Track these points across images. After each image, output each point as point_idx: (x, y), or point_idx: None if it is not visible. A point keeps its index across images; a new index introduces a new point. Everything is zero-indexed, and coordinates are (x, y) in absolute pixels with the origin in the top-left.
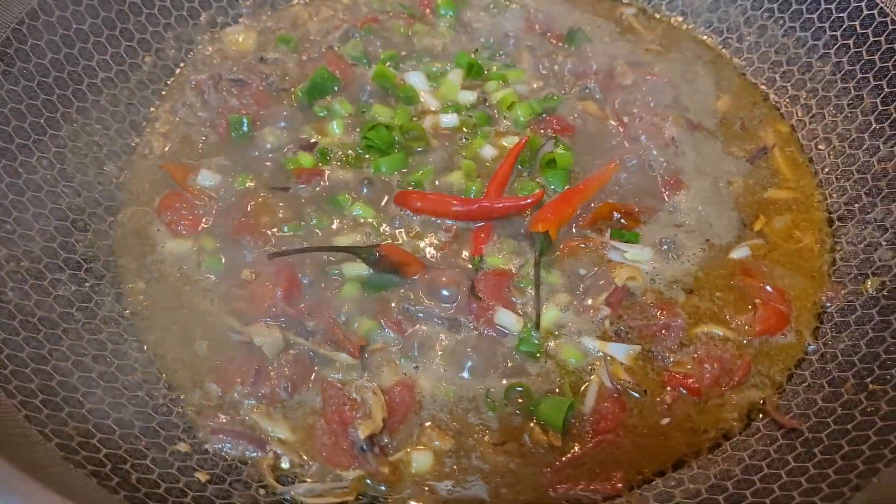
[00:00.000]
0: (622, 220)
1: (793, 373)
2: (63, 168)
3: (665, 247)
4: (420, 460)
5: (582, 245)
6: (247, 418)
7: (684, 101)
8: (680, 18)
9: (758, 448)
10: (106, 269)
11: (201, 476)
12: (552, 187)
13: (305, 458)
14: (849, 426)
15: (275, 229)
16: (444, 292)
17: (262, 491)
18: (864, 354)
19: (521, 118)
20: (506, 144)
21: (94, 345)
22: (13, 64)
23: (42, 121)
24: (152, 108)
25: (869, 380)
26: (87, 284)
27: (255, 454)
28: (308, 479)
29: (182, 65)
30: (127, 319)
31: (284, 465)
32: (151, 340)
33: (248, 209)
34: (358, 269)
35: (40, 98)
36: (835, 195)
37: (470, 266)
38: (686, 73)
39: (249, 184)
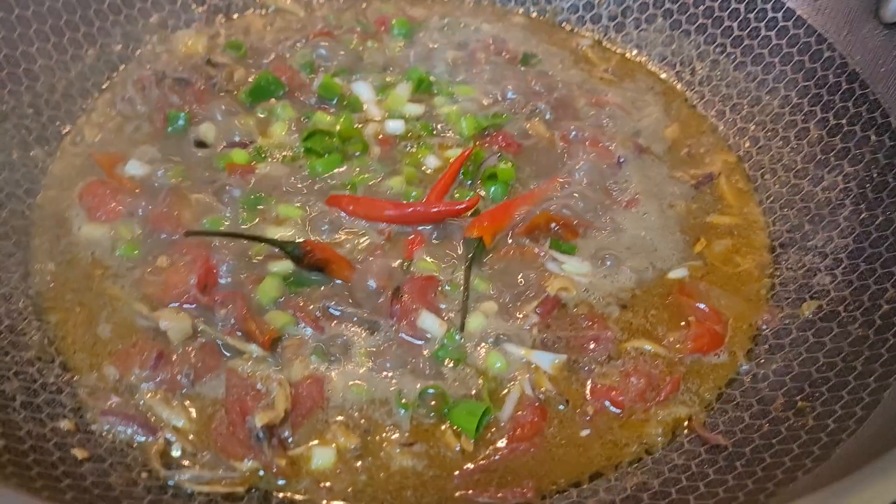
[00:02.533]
0: (559, 232)
1: (723, 392)
2: None
3: (604, 262)
4: (321, 456)
5: (517, 252)
6: (141, 402)
7: (634, 126)
8: (634, 51)
9: (679, 462)
10: (17, 247)
11: (79, 453)
12: (491, 199)
13: (199, 447)
14: (773, 440)
15: (199, 223)
16: (369, 290)
17: (144, 475)
18: (797, 374)
19: (466, 131)
20: (450, 156)
21: None
22: None
23: None
24: (90, 100)
25: (798, 398)
26: None
27: (144, 438)
28: (195, 466)
29: (126, 63)
30: (31, 298)
31: (175, 452)
32: (53, 321)
33: (172, 202)
34: (282, 265)
35: None
36: (778, 223)
37: (400, 270)
38: (637, 102)
39: (177, 179)
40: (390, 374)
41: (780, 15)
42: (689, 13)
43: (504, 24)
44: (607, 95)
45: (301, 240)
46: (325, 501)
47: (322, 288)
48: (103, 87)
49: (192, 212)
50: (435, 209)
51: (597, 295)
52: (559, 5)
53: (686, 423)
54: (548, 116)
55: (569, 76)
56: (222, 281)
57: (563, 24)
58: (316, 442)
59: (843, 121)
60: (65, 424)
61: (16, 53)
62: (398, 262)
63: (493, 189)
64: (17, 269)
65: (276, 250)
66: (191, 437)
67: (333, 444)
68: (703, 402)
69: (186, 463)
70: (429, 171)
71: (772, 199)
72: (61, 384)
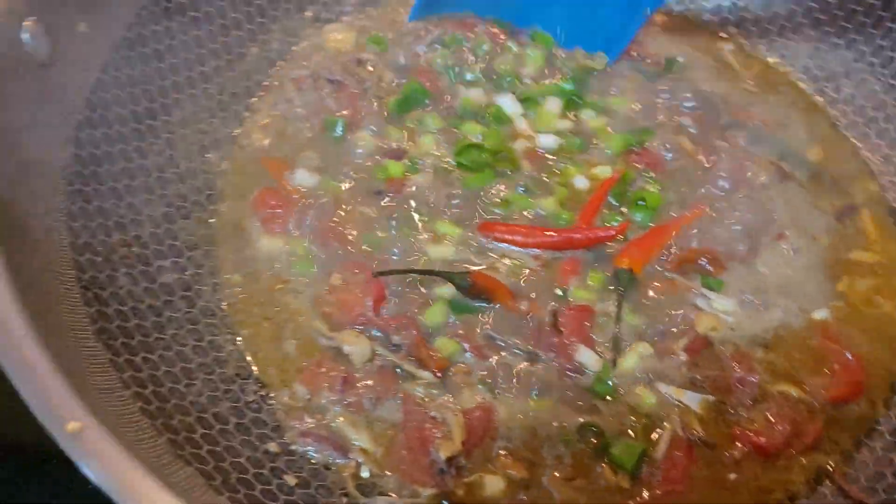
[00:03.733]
0: (708, 266)
1: (863, 442)
2: (172, 154)
3: (748, 299)
4: (493, 485)
5: (666, 286)
6: (332, 424)
7: (778, 148)
8: (777, 59)
9: None
10: (205, 258)
11: (290, 479)
12: (638, 220)
13: (385, 469)
14: None
15: (363, 238)
16: (527, 319)
17: (344, 499)
18: None
19: (615, 149)
20: (597, 174)
21: (193, 335)
22: (134, 47)
23: (157, 105)
24: (253, 100)
25: None
26: (187, 273)
27: (338, 461)
28: (391, 495)
29: (284, 60)
30: (223, 311)
31: (364, 474)
32: (245, 335)
33: (339, 214)
34: (447, 290)
35: (156, 83)
36: None
37: (556, 298)
38: (780, 118)
39: (344, 186)
40: (550, 407)
41: None
42: (838, 25)
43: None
44: (752, 110)
45: (467, 270)
46: None
47: (481, 315)
48: (264, 83)
49: (356, 226)
50: (582, 235)
51: (742, 334)
52: (702, 5)
53: (828, 472)
54: (693, 131)
55: (714, 86)
56: (389, 304)
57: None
58: (489, 471)
59: None
60: (272, 447)
61: (192, 56)
62: (553, 288)
63: (639, 215)
64: (209, 280)
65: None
66: (376, 460)
67: (503, 475)
68: (843, 451)
69: (375, 483)
70: (579, 191)
71: None
72: (260, 402)
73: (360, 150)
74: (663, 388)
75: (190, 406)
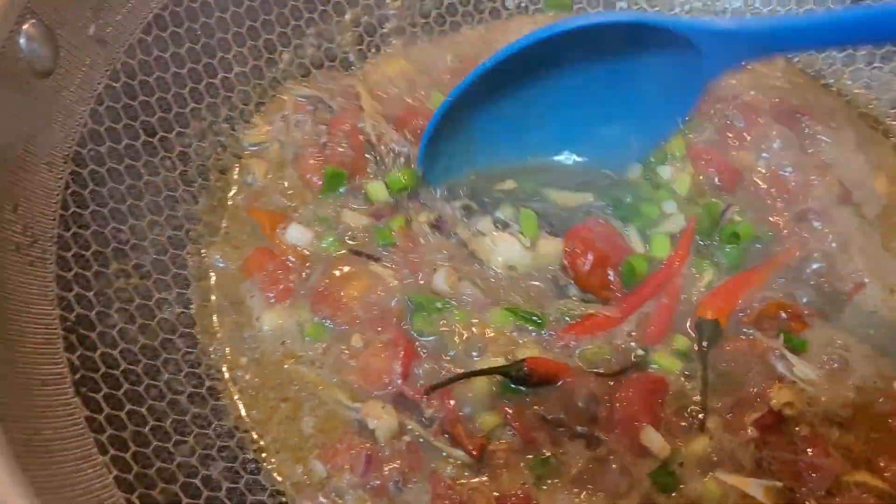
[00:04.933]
0: (790, 323)
1: None
2: (185, 171)
3: (830, 366)
4: None
5: (745, 345)
6: None
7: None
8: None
9: None
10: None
11: None
12: (727, 265)
13: None
14: None
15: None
16: (585, 404)
17: None
18: None
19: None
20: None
21: (191, 379)
22: (150, 53)
23: (171, 116)
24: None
25: None
26: (192, 306)
27: None
28: None
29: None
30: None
31: None
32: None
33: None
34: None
35: (171, 91)
36: None
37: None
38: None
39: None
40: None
41: None
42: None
43: None
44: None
45: (521, 359)
46: None
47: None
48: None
49: (360, 288)
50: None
51: (818, 409)
52: None
53: None
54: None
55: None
56: (418, 371)
57: None
58: None
59: None
60: None
61: (214, 61)
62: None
63: (728, 250)
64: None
65: None
66: None
67: None
68: None
69: None
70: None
71: None
72: (260, 461)
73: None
74: (724, 476)
75: (176, 470)
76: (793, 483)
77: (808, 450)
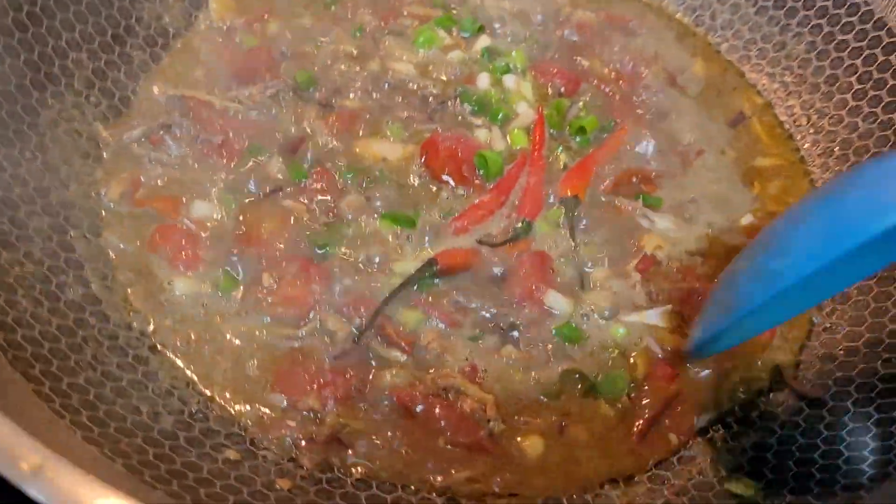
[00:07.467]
0: (641, 186)
1: (804, 344)
2: (46, 159)
3: (684, 215)
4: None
5: (610, 210)
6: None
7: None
8: None
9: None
10: (108, 268)
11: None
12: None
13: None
14: None
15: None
16: (492, 275)
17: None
18: (870, 324)
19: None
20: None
21: (115, 352)
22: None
23: (18, 108)
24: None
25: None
26: (92, 286)
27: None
28: None
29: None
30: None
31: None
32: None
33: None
34: (403, 266)
35: (28, 76)
36: (817, 170)
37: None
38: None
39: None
40: (529, 364)
41: None
42: None
43: None
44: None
45: (431, 257)
46: None
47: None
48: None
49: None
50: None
51: (682, 248)
52: None
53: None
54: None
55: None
56: (337, 287)
57: None
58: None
59: (873, 68)
60: (231, 454)
61: (75, 34)
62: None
63: (578, 140)
64: (121, 290)
65: None
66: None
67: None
68: (793, 351)
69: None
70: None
71: (807, 144)
72: (205, 410)
73: None
74: (626, 317)
75: (134, 427)
76: (679, 307)
77: (682, 278)
